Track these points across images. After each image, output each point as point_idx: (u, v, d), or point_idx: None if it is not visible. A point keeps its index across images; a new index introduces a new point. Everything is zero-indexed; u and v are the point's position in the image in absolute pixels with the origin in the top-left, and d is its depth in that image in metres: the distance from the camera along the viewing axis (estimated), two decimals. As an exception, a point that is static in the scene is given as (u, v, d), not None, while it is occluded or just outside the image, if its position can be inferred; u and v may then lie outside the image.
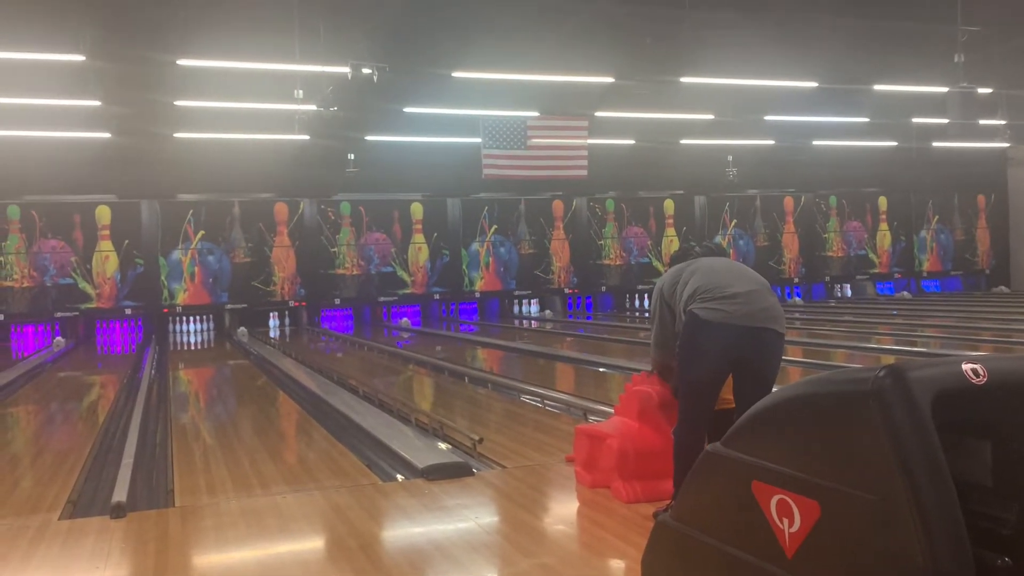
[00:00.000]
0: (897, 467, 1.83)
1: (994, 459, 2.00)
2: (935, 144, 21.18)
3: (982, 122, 15.36)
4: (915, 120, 19.98)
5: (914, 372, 1.90)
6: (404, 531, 4.50)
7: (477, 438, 6.10)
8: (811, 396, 2.16)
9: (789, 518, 2.07)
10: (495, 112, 17.62)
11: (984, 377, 1.95)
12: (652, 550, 2.63)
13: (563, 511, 4.82)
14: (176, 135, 17.20)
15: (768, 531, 2.12)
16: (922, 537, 1.76)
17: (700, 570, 2.41)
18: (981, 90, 14.96)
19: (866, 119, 20.12)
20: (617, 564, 3.83)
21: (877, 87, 17.16)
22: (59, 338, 17.74)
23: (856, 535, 1.93)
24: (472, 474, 5.39)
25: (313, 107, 14.05)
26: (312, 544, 4.39)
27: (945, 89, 14.53)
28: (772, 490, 2.13)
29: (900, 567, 1.78)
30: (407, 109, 16.65)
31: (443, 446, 6.33)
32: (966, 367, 1.96)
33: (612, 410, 5.70)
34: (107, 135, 16.71)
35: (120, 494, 5.00)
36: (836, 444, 2.00)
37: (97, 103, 15.04)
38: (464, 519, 4.52)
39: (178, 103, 15.58)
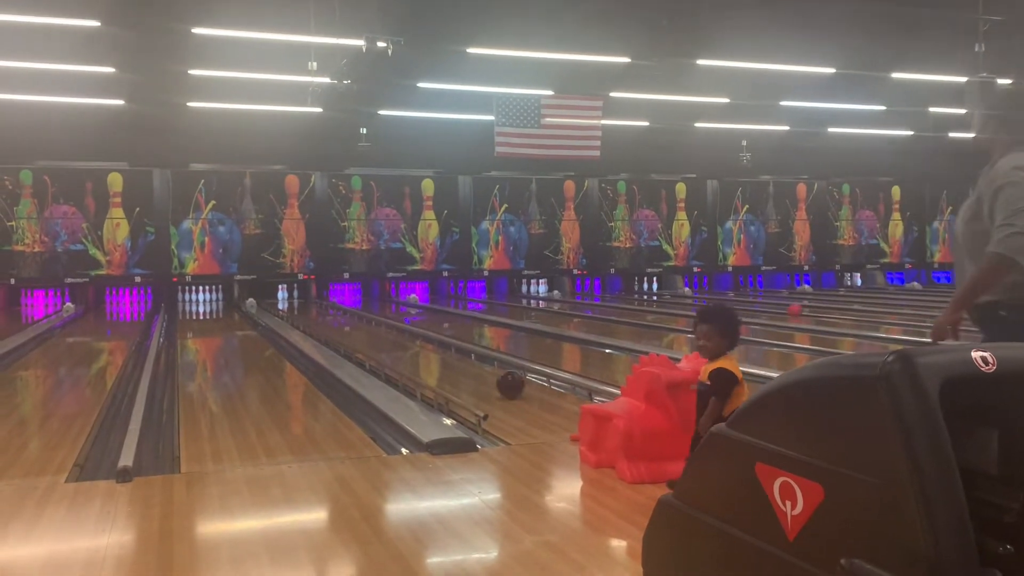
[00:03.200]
0: (903, 452, 1.83)
1: (1000, 447, 1.99)
2: (951, 134, 21.02)
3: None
4: (932, 109, 19.83)
5: (923, 358, 1.90)
6: (407, 503, 4.52)
7: (482, 415, 6.12)
8: (818, 380, 2.16)
9: (792, 500, 2.08)
10: (509, 90, 17.55)
11: (993, 365, 1.94)
12: (654, 529, 2.64)
13: (567, 489, 4.84)
14: (189, 104, 17.20)
15: (770, 513, 2.13)
16: (925, 523, 1.76)
17: (701, 550, 2.42)
18: (1001, 81, 14.84)
19: (882, 107, 19.99)
20: (619, 543, 3.84)
21: (895, 75, 17.04)
22: (69, 304, 17.84)
23: (859, 519, 1.93)
24: (476, 450, 5.41)
25: (327, 79, 14.03)
26: (316, 514, 4.42)
27: (964, 79, 14.41)
28: (776, 472, 2.13)
29: (902, 552, 1.78)
30: (421, 84, 16.60)
31: (448, 422, 6.35)
32: (975, 354, 1.95)
33: (618, 391, 5.71)
34: (120, 102, 16.72)
35: (127, 459, 5.04)
36: (842, 428, 2.00)
37: (111, 70, 15.06)
38: (468, 494, 4.54)
39: (192, 72, 15.57)
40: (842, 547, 1.93)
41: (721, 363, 4.21)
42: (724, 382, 4.15)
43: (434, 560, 3.67)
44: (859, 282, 24.84)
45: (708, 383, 4.19)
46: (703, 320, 4.33)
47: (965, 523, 1.76)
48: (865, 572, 1.84)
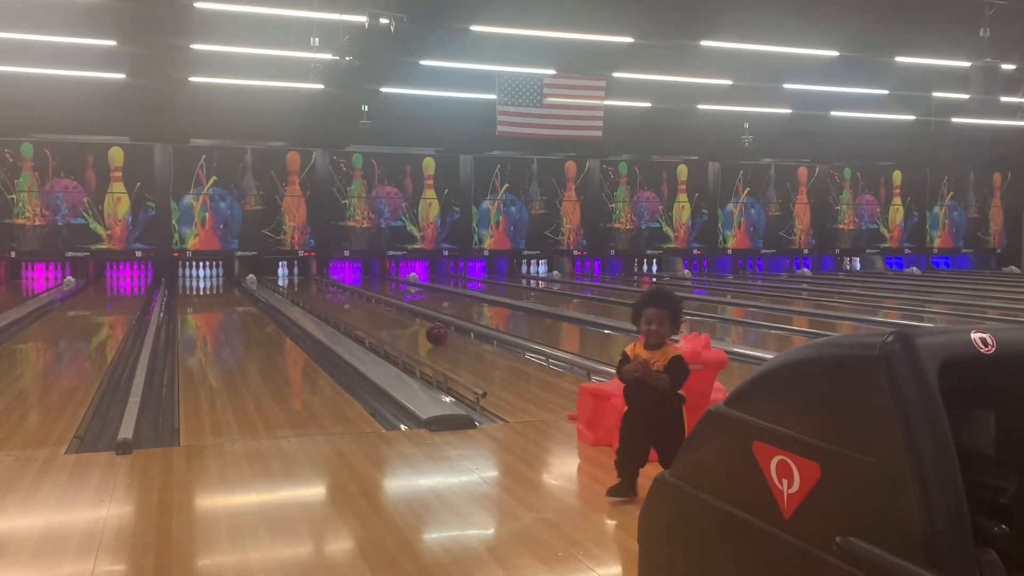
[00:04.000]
0: (900, 432, 1.83)
1: (998, 429, 2.00)
2: (954, 120, 20.96)
3: (1004, 99, 15.20)
4: (935, 94, 19.77)
5: (922, 338, 1.90)
6: (406, 478, 4.55)
7: (481, 392, 6.13)
8: (817, 359, 2.16)
9: (789, 479, 2.09)
10: (512, 68, 17.49)
11: (993, 347, 1.95)
12: (650, 506, 2.65)
13: (564, 467, 4.86)
14: (191, 79, 17.14)
15: (767, 491, 2.14)
16: (921, 503, 1.77)
17: (697, 527, 2.44)
18: (1005, 66, 14.78)
19: (886, 91, 19.92)
20: (615, 521, 3.86)
21: (899, 59, 16.96)
22: (69, 277, 17.84)
23: (855, 498, 1.94)
24: (475, 427, 5.43)
25: (329, 56, 13.97)
26: (314, 487, 4.44)
27: (968, 63, 14.36)
28: (773, 451, 2.13)
29: (898, 531, 1.80)
30: (423, 62, 16.54)
31: (447, 399, 6.37)
32: (975, 336, 1.95)
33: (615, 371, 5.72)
34: (122, 76, 16.66)
35: (126, 431, 5.07)
36: (840, 407, 2.01)
37: (113, 43, 14.98)
38: (465, 470, 4.56)
39: (194, 47, 15.50)
40: (838, 526, 1.94)
41: (673, 351, 4.07)
42: (684, 374, 4.02)
43: (432, 535, 3.69)
44: (858, 266, 24.84)
45: (661, 371, 3.97)
46: (655, 303, 4.09)
47: (961, 503, 1.77)
48: (860, 550, 1.85)
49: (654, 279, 21.05)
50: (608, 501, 4.01)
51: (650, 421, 4.01)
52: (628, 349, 4.14)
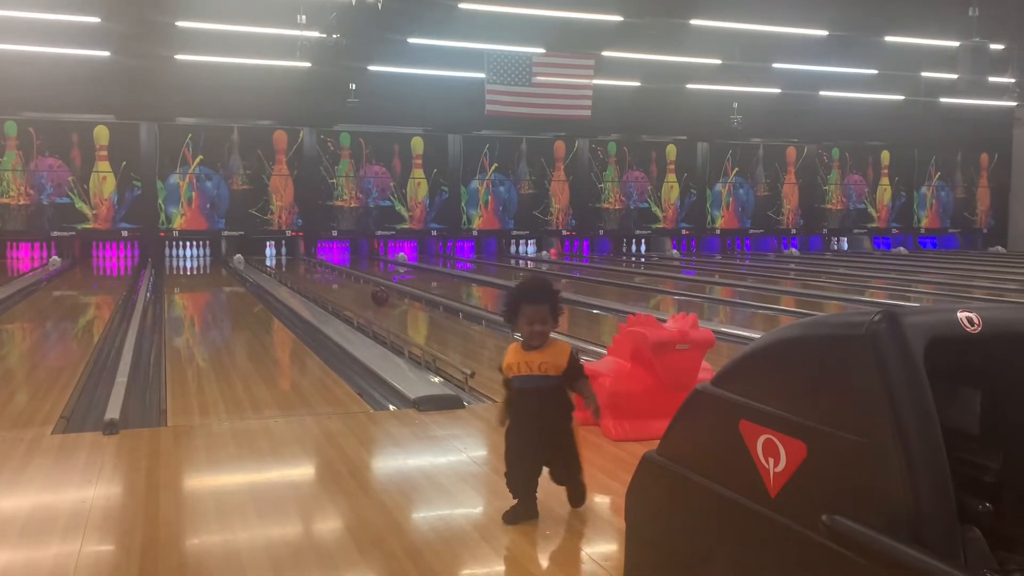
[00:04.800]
0: (887, 411, 1.84)
1: (983, 408, 2.01)
2: (943, 100, 20.98)
3: (992, 79, 15.21)
4: (924, 74, 19.78)
5: (909, 317, 1.90)
6: (394, 458, 4.55)
7: (469, 372, 6.13)
8: (804, 338, 2.16)
9: (775, 457, 2.09)
10: (501, 47, 17.40)
11: (979, 326, 1.95)
12: (637, 485, 2.66)
13: (551, 447, 4.86)
14: (177, 57, 16.99)
15: (753, 470, 2.14)
16: (907, 481, 1.78)
17: (683, 506, 2.45)
18: (993, 46, 14.78)
19: (874, 71, 19.91)
20: (603, 500, 3.88)
21: (888, 38, 16.94)
22: (55, 257, 17.73)
23: (841, 476, 1.95)
24: (463, 407, 5.44)
25: (316, 33, 13.86)
26: (302, 467, 4.44)
27: (957, 43, 14.36)
28: (759, 430, 2.14)
29: (883, 509, 1.80)
30: (411, 40, 16.43)
31: (435, 379, 6.37)
32: (961, 315, 1.96)
33: (604, 351, 5.73)
34: (106, 54, 16.50)
35: (113, 411, 5.05)
36: (827, 386, 2.01)
37: (97, 20, 14.82)
38: (454, 450, 4.57)
39: (179, 24, 15.36)
40: (824, 504, 1.95)
41: (563, 345, 3.57)
42: (581, 367, 3.60)
43: (419, 515, 3.70)
44: (846, 246, 24.92)
45: (557, 375, 3.48)
46: (535, 300, 3.49)
47: (946, 481, 1.78)
48: (846, 528, 1.86)
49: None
50: (595, 480, 4.02)
51: (542, 434, 3.52)
52: (511, 356, 3.54)
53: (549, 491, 3.95)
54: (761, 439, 2.13)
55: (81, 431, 4.93)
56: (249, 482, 4.15)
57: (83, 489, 3.89)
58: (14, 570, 3.08)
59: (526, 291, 3.52)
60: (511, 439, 3.55)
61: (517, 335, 3.53)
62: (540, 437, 3.52)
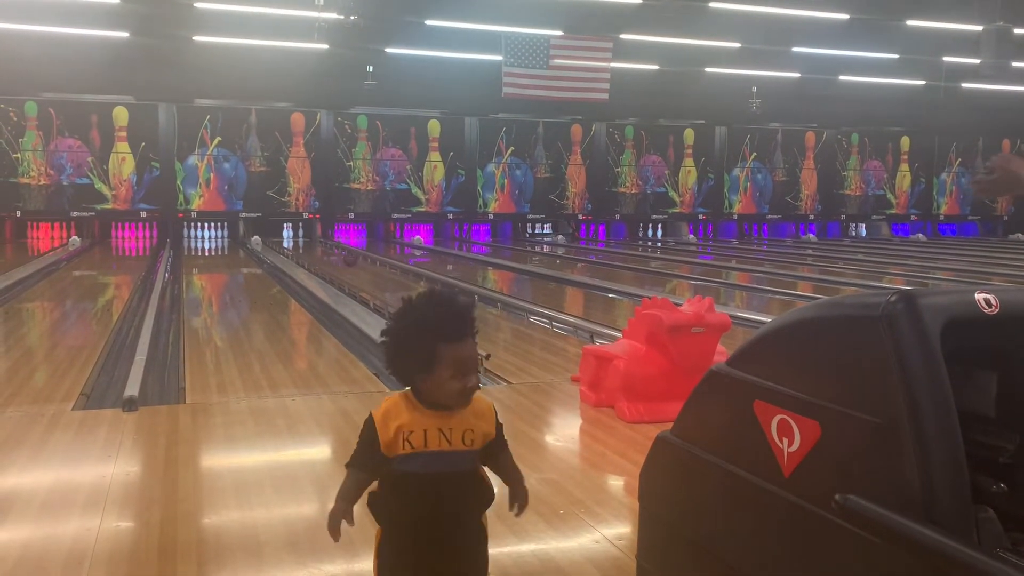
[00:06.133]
0: (902, 392, 1.84)
1: (999, 390, 2.01)
2: (964, 85, 20.76)
3: (1016, 63, 15.04)
4: (946, 59, 19.56)
5: (926, 299, 1.90)
6: (409, 439, 4.57)
7: (484, 354, 6.15)
8: (820, 319, 2.16)
9: (789, 438, 2.10)
10: (518, 29, 17.33)
11: (996, 307, 1.95)
12: (651, 464, 2.67)
13: (567, 428, 4.89)
14: (195, 38, 17.02)
15: (767, 450, 2.15)
16: (921, 462, 1.78)
17: (697, 485, 2.46)
18: (1017, 30, 14.60)
19: (895, 55, 19.71)
20: (617, 480, 3.90)
21: (909, 22, 16.77)
22: (75, 237, 17.86)
23: (855, 457, 1.95)
24: (478, 388, 5.45)
25: (333, 15, 13.85)
26: (319, 445, 4.48)
27: (980, 27, 14.19)
28: (774, 410, 2.14)
29: (897, 489, 1.81)
30: (429, 22, 16.40)
31: (451, 360, 6.38)
32: (979, 296, 1.95)
33: (619, 335, 5.73)
34: (126, 34, 16.55)
35: (132, 389, 5.10)
36: (842, 366, 2.01)
37: (117, 1, 14.86)
38: (468, 430, 4.59)
39: (198, 5, 15.38)
40: (837, 484, 1.95)
41: (487, 405, 2.36)
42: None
43: (435, 493, 3.72)
44: (864, 232, 24.76)
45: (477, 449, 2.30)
46: (468, 333, 2.23)
47: (960, 463, 1.78)
48: (859, 507, 1.87)
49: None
50: (609, 461, 4.03)
51: (439, 546, 2.22)
52: (408, 417, 2.23)
53: (564, 471, 3.97)
54: (776, 419, 2.14)
55: (101, 408, 4.99)
56: (266, 459, 4.19)
57: (103, 464, 3.94)
58: (35, 543, 3.13)
59: (445, 324, 2.18)
60: (391, 561, 2.22)
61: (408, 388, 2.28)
62: (442, 555, 2.22)
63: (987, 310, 1.94)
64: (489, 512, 3.48)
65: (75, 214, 18.41)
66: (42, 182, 18.15)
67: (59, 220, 18.51)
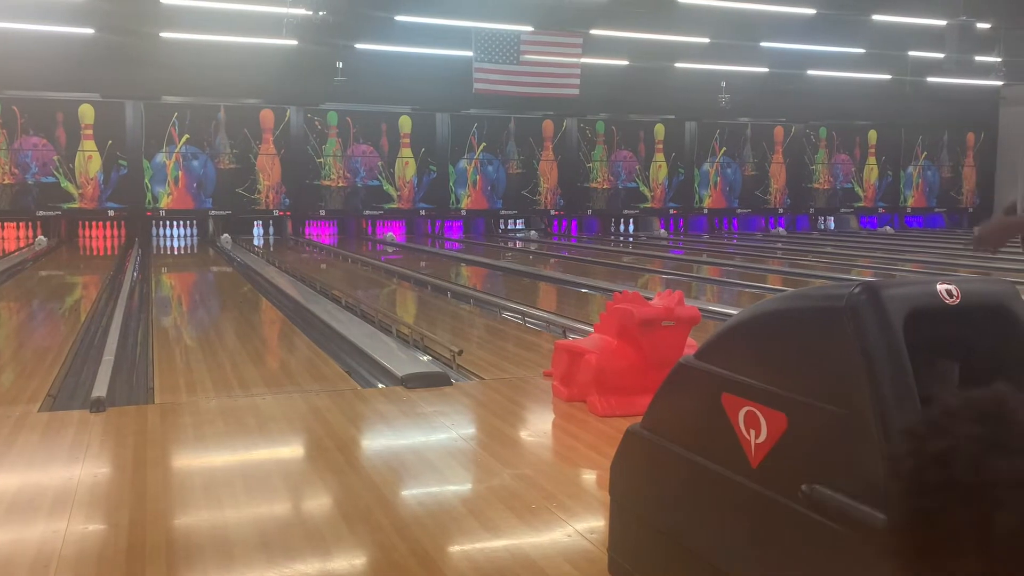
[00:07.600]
0: (866, 382, 1.87)
1: (961, 380, 2.04)
2: (929, 79, 21.00)
3: (978, 58, 15.24)
4: (911, 53, 19.78)
5: (889, 290, 1.93)
6: (382, 435, 4.57)
7: (457, 350, 6.15)
8: (785, 311, 2.19)
9: (756, 429, 2.12)
10: (489, 25, 17.30)
11: (957, 298, 1.98)
12: (621, 457, 2.69)
13: (539, 423, 4.90)
14: (162, 35, 16.83)
15: (735, 441, 2.17)
16: (885, 451, 1.81)
17: (667, 477, 2.48)
18: (980, 25, 14.80)
19: (862, 50, 19.90)
20: (589, 473, 3.91)
21: (875, 17, 16.93)
22: (41, 237, 17.61)
23: (821, 446, 1.98)
24: (451, 384, 5.46)
25: (302, 11, 13.76)
26: (290, 444, 4.46)
27: (944, 22, 14.37)
28: (741, 402, 2.17)
29: (861, 479, 1.83)
30: (398, 17, 16.33)
31: (423, 357, 6.39)
32: (940, 287, 1.98)
33: (591, 329, 5.75)
34: (91, 31, 16.33)
35: (100, 389, 5.05)
36: (807, 358, 2.04)
37: (80, -3, 14.66)
38: (442, 427, 4.59)
39: (164, 1, 15.21)
40: (804, 474, 1.98)
41: None
42: None
43: (407, 490, 3.72)
44: (832, 225, 24.99)
45: None
46: None
47: (923, 451, 1.81)
48: (825, 497, 1.89)
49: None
50: (581, 454, 4.05)
51: None
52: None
53: (536, 466, 3.98)
54: (743, 411, 2.16)
55: (68, 409, 4.93)
56: (237, 458, 4.17)
57: (70, 466, 3.90)
58: (1, 546, 3.09)
59: None
60: None
61: None
62: None
63: (949, 300, 1.97)
64: (461, 508, 3.49)
65: (41, 213, 18.15)
66: (6, 181, 17.88)
67: (25, 220, 18.23)
